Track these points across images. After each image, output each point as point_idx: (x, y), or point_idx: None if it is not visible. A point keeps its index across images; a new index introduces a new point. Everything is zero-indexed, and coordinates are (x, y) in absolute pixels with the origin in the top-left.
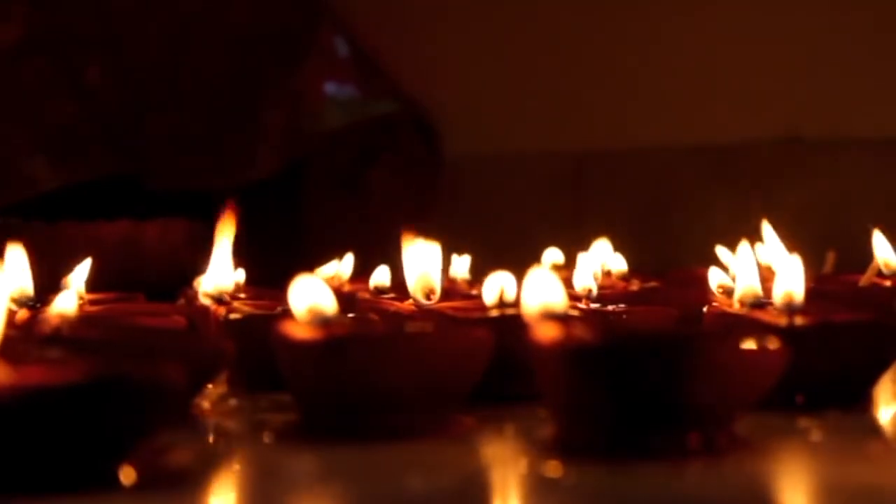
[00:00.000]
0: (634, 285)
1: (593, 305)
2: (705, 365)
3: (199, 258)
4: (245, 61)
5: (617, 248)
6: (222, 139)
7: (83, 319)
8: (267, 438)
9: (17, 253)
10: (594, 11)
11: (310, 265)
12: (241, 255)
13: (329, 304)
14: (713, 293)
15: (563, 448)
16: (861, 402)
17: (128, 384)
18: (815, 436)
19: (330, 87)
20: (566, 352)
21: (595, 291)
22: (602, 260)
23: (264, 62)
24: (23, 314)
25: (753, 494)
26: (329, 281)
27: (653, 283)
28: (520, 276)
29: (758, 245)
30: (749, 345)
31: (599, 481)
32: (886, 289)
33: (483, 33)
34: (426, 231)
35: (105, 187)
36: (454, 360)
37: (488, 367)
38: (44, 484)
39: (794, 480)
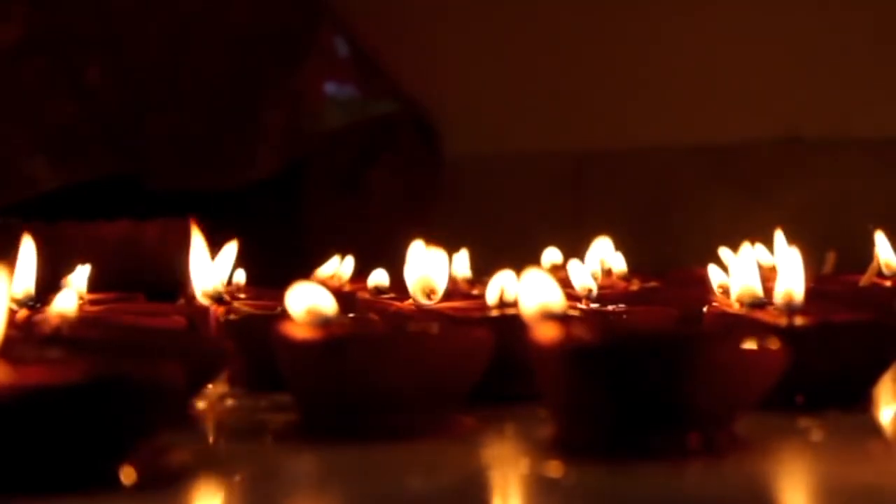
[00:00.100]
0: (634, 285)
1: (593, 305)
2: (705, 365)
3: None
4: (245, 61)
5: (617, 248)
6: (222, 139)
7: (83, 319)
8: (267, 438)
9: (27, 251)
10: (594, 11)
11: (310, 265)
12: (241, 255)
13: (328, 305)
14: (713, 293)
15: (563, 448)
16: (861, 402)
17: (128, 384)
18: (815, 436)
19: (330, 87)
20: (566, 352)
21: (595, 291)
22: (601, 258)
23: (264, 62)
24: (23, 314)
25: (753, 494)
26: (329, 281)
27: (653, 283)
28: (520, 276)
29: (758, 245)
30: (749, 345)
31: (599, 481)
32: (886, 289)
33: (483, 33)
34: (427, 232)
35: (105, 187)
36: (454, 360)
37: (488, 367)
38: (44, 484)
39: (794, 480)
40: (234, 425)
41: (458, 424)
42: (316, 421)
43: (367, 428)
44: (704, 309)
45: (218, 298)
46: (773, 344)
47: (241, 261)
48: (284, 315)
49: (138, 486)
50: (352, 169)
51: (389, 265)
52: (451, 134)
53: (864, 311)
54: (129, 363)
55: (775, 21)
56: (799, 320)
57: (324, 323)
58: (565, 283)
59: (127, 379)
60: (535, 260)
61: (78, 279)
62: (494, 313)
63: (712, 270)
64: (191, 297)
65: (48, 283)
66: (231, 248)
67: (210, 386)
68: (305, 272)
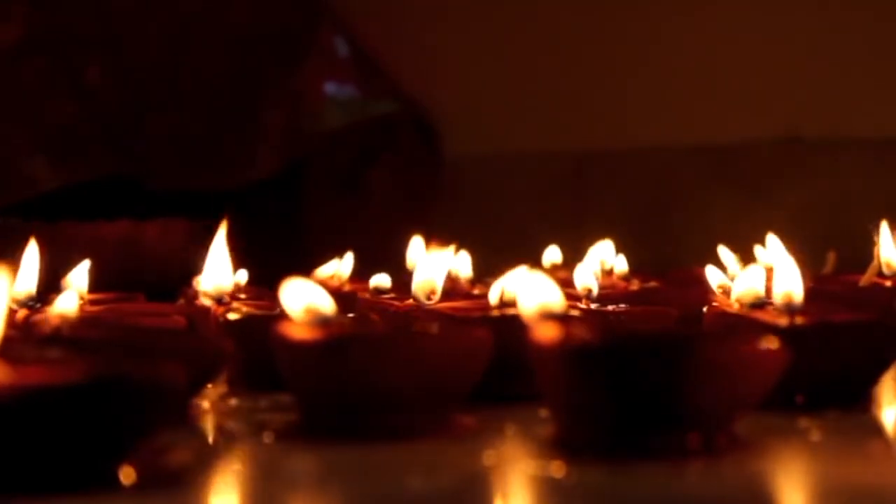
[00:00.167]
0: (634, 285)
1: (593, 305)
2: (705, 365)
3: (198, 258)
4: (245, 61)
5: (617, 248)
6: (222, 139)
7: (83, 319)
8: (267, 438)
9: (31, 252)
10: (594, 11)
11: (310, 265)
12: (241, 255)
13: (326, 304)
14: (713, 293)
15: (563, 448)
16: (861, 402)
17: (128, 384)
18: (815, 436)
19: (330, 87)
20: (566, 352)
21: (595, 291)
22: (601, 258)
23: (264, 62)
24: (23, 314)
25: (753, 494)
26: (329, 281)
27: (653, 283)
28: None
29: (758, 246)
30: (749, 345)
31: (599, 481)
32: (886, 289)
33: (483, 33)
34: (427, 231)
35: (105, 187)
36: (454, 360)
37: (488, 367)
38: (44, 484)
39: (794, 480)
40: (234, 425)
41: (458, 424)
42: (316, 421)
43: (368, 428)
44: (704, 309)
45: (218, 298)
46: (773, 344)
47: (241, 261)
48: (284, 315)
49: (138, 486)
50: (352, 169)
51: (389, 265)
52: (451, 134)
53: (865, 311)
54: (129, 363)
55: (775, 21)
56: (799, 320)
57: (324, 323)
58: (566, 283)
59: (127, 379)
60: (535, 260)
61: (78, 278)
62: (494, 313)
63: (710, 271)
64: (191, 297)
65: (48, 283)
66: (221, 242)
67: (210, 386)
68: (305, 272)
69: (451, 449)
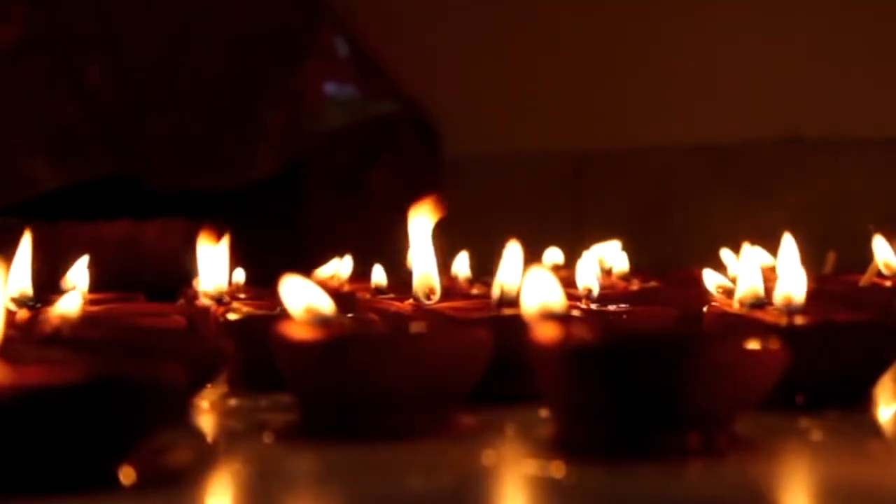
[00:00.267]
0: (634, 285)
1: (593, 305)
2: (705, 365)
3: (197, 258)
4: (245, 61)
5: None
6: (222, 139)
7: (83, 319)
8: (267, 438)
9: (24, 251)
10: (594, 11)
11: (310, 265)
12: (241, 255)
13: (325, 304)
14: (713, 293)
15: (563, 448)
16: (861, 402)
17: (128, 384)
18: (815, 436)
19: (330, 87)
20: (566, 352)
21: (596, 291)
22: (601, 258)
23: (264, 62)
24: (23, 314)
25: (753, 494)
26: (329, 281)
27: (653, 283)
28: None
29: (757, 247)
30: (749, 345)
31: (600, 481)
32: (886, 289)
33: (483, 33)
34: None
35: (105, 187)
36: (454, 360)
37: (488, 367)
38: (44, 484)
39: (794, 480)
40: (234, 425)
41: (458, 424)
42: (316, 421)
43: (367, 428)
44: (704, 309)
45: (218, 298)
46: (773, 344)
47: (241, 261)
48: (284, 315)
49: (138, 486)
50: (352, 169)
51: (388, 265)
52: (451, 134)
53: (865, 311)
54: (129, 363)
55: (775, 21)
56: (799, 320)
57: (324, 323)
58: (566, 283)
59: (127, 379)
60: (535, 260)
61: (77, 276)
62: (494, 313)
63: (707, 274)
64: (191, 297)
65: (48, 283)
66: (223, 247)
67: (210, 386)
68: (305, 272)
69: (451, 449)
